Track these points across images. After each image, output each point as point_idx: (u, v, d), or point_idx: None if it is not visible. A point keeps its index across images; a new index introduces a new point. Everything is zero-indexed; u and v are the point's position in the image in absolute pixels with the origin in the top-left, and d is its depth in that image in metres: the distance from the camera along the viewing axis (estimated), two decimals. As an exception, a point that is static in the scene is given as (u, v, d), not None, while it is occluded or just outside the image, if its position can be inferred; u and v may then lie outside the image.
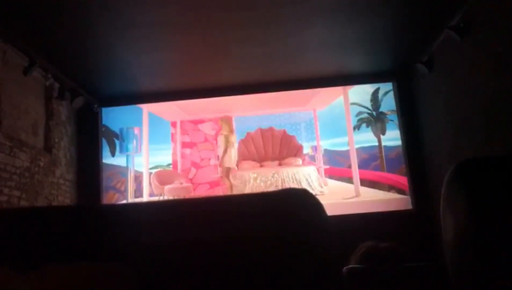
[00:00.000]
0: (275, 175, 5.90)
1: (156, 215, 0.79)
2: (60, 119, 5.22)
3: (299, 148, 6.03)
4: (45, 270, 0.68)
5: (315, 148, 6.00)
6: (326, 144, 5.94)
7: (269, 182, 5.86)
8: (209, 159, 6.01)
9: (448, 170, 0.87)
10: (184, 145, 6.03)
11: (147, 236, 0.75)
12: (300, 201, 0.74)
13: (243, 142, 6.07)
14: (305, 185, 5.82)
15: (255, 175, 5.93)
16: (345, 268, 1.26)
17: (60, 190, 5.07)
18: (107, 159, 5.90)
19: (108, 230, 0.74)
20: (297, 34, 4.37)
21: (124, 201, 5.78)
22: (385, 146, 5.81)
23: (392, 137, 5.75)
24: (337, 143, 5.91)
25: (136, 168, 5.94)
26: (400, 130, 5.65)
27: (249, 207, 0.77)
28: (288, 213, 0.73)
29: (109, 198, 5.73)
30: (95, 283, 0.68)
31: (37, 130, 4.73)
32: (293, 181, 5.83)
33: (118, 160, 5.96)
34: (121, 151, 5.96)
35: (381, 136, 5.87)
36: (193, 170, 5.98)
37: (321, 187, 5.83)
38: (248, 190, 5.84)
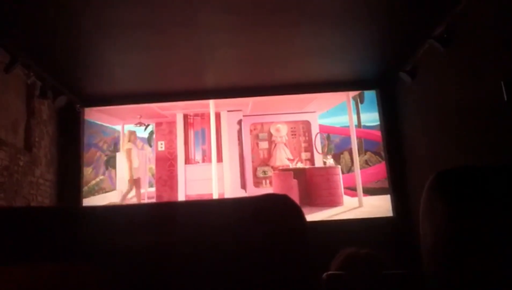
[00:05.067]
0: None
1: (135, 218, 0.78)
2: (41, 118, 5.14)
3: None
4: (4, 271, 0.67)
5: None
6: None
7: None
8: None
9: (428, 178, 0.88)
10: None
11: (124, 239, 0.73)
12: (280, 207, 0.74)
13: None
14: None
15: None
16: (325, 274, 1.27)
17: (40, 190, 4.98)
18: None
19: (83, 232, 0.73)
20: (282, 40, 4.38)
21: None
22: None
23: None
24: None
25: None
26: (382, 137, 5.69)
27: (229, 212, 0.76)
28: (268, 219, 0.73)
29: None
30: (60, 285, 0.66)
31: (17, 128, 4.64)
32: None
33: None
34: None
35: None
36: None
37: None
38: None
